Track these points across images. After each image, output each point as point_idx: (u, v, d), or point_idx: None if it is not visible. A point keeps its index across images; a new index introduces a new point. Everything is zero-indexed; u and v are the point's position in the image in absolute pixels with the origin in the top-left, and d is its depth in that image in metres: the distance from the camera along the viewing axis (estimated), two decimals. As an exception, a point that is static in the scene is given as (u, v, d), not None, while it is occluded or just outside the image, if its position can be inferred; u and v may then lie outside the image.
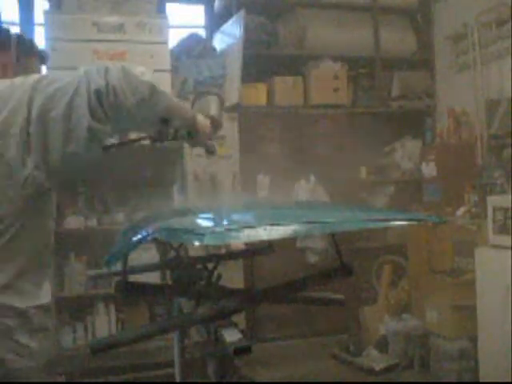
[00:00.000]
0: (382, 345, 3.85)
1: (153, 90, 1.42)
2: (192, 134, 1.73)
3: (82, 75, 1.36)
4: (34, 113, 1.35)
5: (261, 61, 4.27)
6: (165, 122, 1.71)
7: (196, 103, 1.92)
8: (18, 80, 1.44)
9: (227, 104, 4.11)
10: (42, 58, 1.72)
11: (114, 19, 3.74)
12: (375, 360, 3.75)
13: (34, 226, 1.47)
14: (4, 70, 1.58)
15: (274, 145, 4.28)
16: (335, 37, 4.53)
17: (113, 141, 1.67)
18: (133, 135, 1.82)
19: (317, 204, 2.93)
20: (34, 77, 1.42)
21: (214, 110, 1.88)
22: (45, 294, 1.53)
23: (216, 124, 1.83)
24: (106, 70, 1.36)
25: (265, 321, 4.13)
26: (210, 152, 1.85)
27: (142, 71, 1.43)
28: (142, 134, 1.74)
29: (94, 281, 3.69)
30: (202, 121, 1.72)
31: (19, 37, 1.67)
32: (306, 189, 4.13)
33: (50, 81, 1.38)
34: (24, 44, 1.66)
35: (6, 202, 1.39)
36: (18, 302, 1.42)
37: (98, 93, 1.34)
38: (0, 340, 1.39)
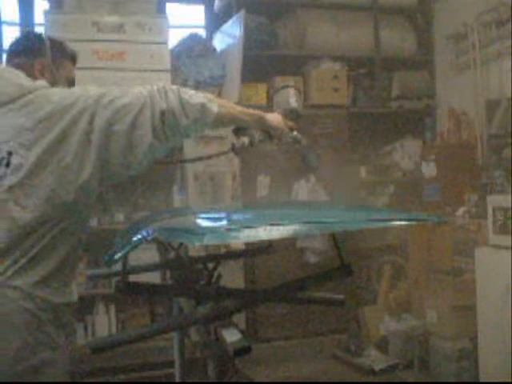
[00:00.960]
0: (382, 345, 3.85)
1: (203, 111, 1.54)
2: (271, 135, 1.81)
3: (146, 95, 1.49)
4: (98, 124, 1.45)
5: (261, 61, 4.26)
6: (237, 132, 1.78)
7: (274, 98, 1.97)
8: (79, 90, 1.53)
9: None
10: (73, 58, 1.76)
11: (113, 19, 3.74)
12: (375, 360, 3.75)
13: (74, 227, 1.53)
14: (41, 74, 1.64)
15: (273, 145, 4.27)
16: (335, 37, 4.52)
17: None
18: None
19: (317, 204, 2.93)
20: (97, 90, 1.51)
21: (291, 101, 1.93)
22: (73, 293, 1.60)
23: (294, 114, 1.88)
24: (166, 93, 1.50)
25: (265, 321, 4.13)
26: (297, 142, 1.89)
27: (192, 94, 1.55)
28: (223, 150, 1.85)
29: (94, 281, 3.69)
30: (274, 118, 1.79)
31: (51, 40, 1.72)
32: (305, 189, 4.12)
33: (115, 96, 1.48)
34: (56, 47, 1.71)
35: (57, 204, 1.46)
36: (52, 297, 1.49)
37: (161, 114, 1.48)
38: (33, 332, 1.44)
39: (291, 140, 1.87)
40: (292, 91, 1.98)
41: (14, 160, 1.44)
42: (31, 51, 1.65)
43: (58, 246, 1.49)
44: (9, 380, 1.41)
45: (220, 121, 1.60)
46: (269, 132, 1.80)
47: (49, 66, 1.65)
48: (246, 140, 1.82)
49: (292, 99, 1.95)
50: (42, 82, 1.57)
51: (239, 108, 1.71)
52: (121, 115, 1.46)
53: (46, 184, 1.44)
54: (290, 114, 1.85)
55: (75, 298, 1.60)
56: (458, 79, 4.42)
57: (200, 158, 2.00)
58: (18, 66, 1.61)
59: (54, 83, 1.62)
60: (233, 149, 1.85)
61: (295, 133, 1.86)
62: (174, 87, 1.54)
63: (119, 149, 1.46)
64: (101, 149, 1.45)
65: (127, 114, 1.46)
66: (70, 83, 1.70)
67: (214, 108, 1.56)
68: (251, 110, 1.75)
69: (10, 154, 1.44)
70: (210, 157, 1.96)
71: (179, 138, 1.58)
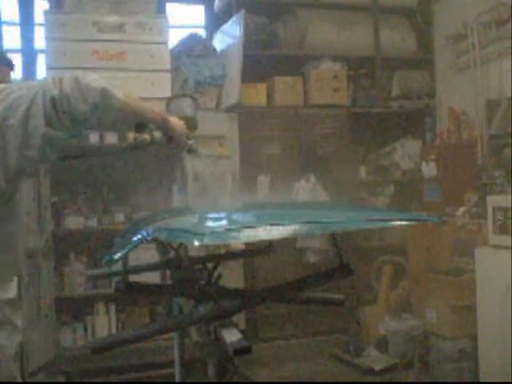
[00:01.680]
0: (382, 345, 3.85)
1: (103, 95, 1.49)
2: (170, 137, 1.78)
3: (38, 85, 1.47)
4: None
5: (261, 61, 4.26)
6: (139, 128, 1.77)
7: (171, 105, 1.98)
8: None
9: (227, 104, 4.11)
10: (9, 65, 1.80)
11: (114, 19, 3.74)
12: (375, 360, 3.75)
13: None
14: None
15: (273, 145, 4.28)
16: (335, 37, 4.53)
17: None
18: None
19: (317, 204, 2.93)
20: None
21: (188, 110, 1.94)
22: (10, 289, 1.59)
23: (191, 124, 1.88)
24: (60, 80, 1.46)
25: (265, 321, 4.13)
26: (192, 151, 1.89)
27: (93, 78, 1.51)
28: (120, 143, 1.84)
29: (94, 281, 3.69)
30: (176, 122, 1.77)
31: None
32: (306, 189, 4.12)
33: (9, 92, 1.48)
34: None
35: None
36: None
37: (52, 101, 1.44)
38: None
39: (187, 148, 1.87)
40: (187, 101, 2.00)
41: None
42: None
43: None
44: None
45: (125, 111, 1.57)
46: (169, 135, 1.78)
47: None
48: (147, 137, 1.80)
49: (187, 108, 1.97)
50: None
51: (144, 104, 1.69)
52: (13, 109, 1.45)
53: None
54: (188, 123, 1.85)
55: (12, 294, 1.59)
56: (458, 79, 4.42)
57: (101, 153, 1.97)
58: None
59: None
60: (133, 144, 1.82)
61: (191, 142, 1.87)
62: (74, 74, 1.50)
63: (16, 142, 1.45)
64: None
65: (19, 106, 1.45)
66: None
67: (119, 94, 1.52)
68: (156, 109, 1.73)
69: None
70: (109, 150, 1.96)
71: (80, 125, 1.53)
